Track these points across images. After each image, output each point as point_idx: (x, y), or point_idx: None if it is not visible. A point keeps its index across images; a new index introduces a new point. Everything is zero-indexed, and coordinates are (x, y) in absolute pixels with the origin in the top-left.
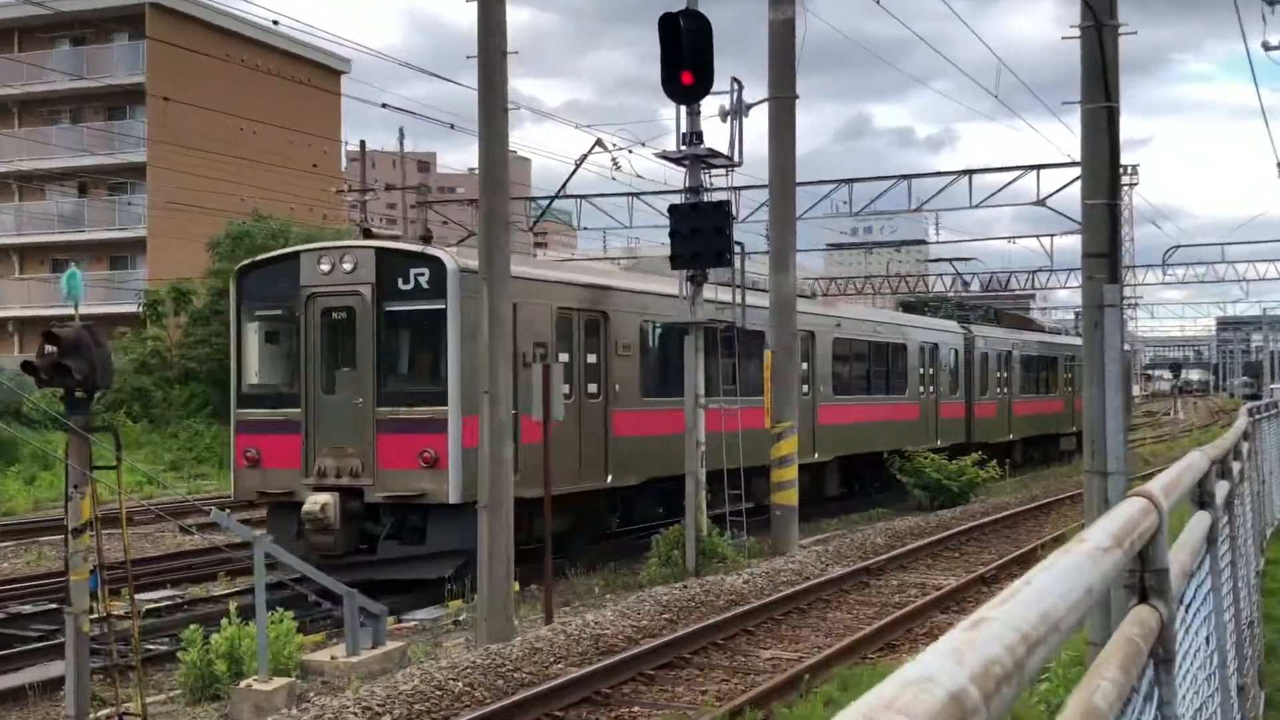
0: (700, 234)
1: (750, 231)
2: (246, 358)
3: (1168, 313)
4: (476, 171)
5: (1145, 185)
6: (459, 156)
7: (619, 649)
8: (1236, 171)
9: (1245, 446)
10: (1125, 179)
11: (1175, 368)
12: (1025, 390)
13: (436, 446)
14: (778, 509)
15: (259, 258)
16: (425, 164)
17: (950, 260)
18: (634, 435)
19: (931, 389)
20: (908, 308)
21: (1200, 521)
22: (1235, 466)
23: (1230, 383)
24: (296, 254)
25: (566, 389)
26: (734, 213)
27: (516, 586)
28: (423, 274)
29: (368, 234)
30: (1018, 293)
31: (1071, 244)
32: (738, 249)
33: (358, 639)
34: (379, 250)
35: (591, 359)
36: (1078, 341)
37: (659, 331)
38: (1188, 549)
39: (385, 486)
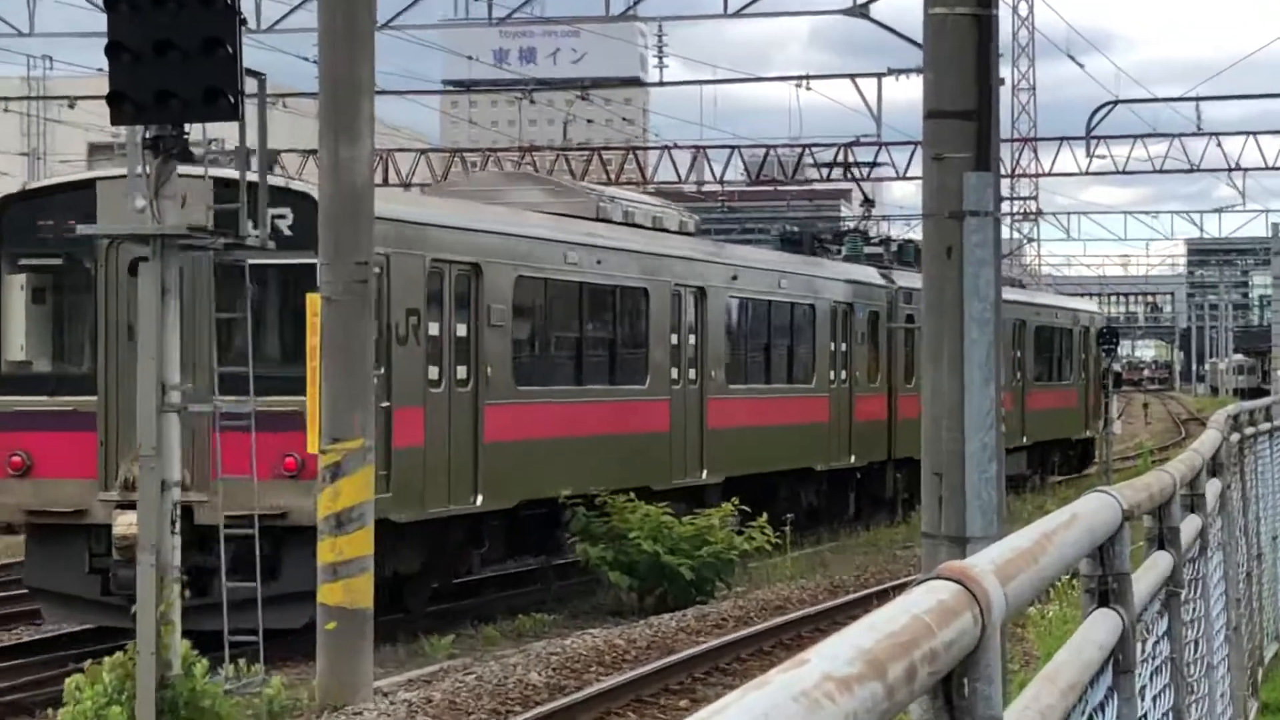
0: (170, 52)
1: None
2: (7, 324)
3: (1098, 230)
4: None
5: None
6: None
7: None
8: None
9: (1213, 511)
10: None
11: (1109, 339)
12: None
13: (302, 450)
14: (333, 616)
15: (29, 186)
16: None
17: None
18: (509, 440)
19: (843, 375)
20: (790, 243)
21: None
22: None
23: (1210, 366)
24: (90, 183)
25: (434, 373)
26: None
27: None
28: (283, 216)
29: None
30: (817, 186)
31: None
32: (254, 85)
33: None
34: (219, 182)
35: (461, 331)
36: (1044, 300)
37: (548, 290)
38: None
39: (227, 503)
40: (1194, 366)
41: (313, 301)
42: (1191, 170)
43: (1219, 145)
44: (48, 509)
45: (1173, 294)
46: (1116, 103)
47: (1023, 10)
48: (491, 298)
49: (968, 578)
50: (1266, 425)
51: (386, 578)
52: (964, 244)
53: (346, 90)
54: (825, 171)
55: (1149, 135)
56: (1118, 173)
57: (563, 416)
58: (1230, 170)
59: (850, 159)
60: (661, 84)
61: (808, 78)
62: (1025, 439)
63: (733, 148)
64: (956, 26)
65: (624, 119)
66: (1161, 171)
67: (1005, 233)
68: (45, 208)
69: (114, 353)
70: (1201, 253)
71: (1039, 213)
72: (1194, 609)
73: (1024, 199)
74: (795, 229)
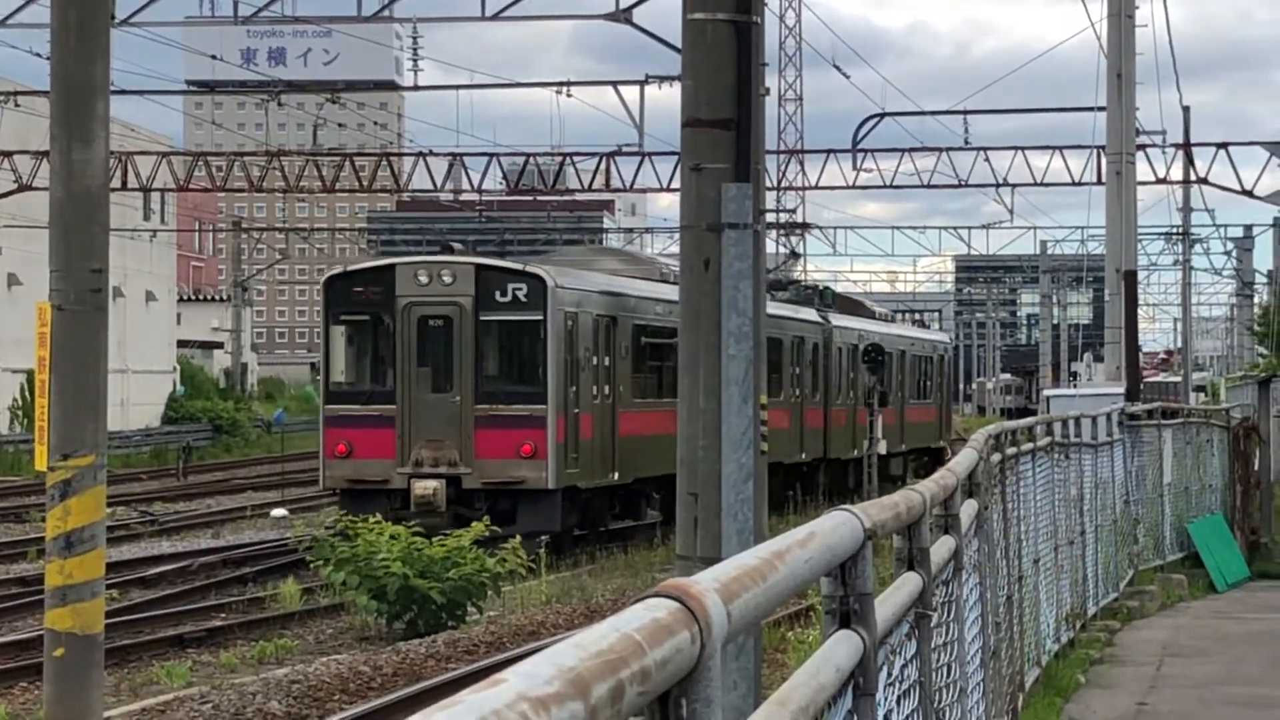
0: None
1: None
2: (333, 359)
3: (866, 245)
4: None
5: None
6: None
7: None
8: None
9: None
10: None
11: (876, 356)
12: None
13: (536, 440)
14: (61, 642)
15: (350, 268)
16: None
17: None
18: (630, 435)
19: (796, 391)
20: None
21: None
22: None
23: (977, 385)
24: (391, 266)
25: (595, 390)
26: None
27: None
28: (520, 289)
29: (448, 249)
30: (579, 197)
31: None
32: None
33: None
34: (478, 266)
35: (606, 362)
36: (916, 334)
37: (648, 333)
38: None
39: (484, 475)
40: (961, 385)
41: (42, 311)
42: (959, 185)
43: (987, 160)
44: (363, 479)
45: (940, 311)
46: (883, 115)
47: (790, 19)
48: (621, 339)
49: (687, 595)
50: (1029, 445)
51: (569, 526)
52: (722, 257)
53: (80, 89)
54: (587, 181)
55: (917, 149)
56: (885, 186)
57: (657, 420)
58: (998, 186)
59: (612, 169)
60: (417, 88)
61: (568, 84)
62: (904, 445)
63: (491, 155)
64: (716, 33)
65: (377, 124)
66: (929, 186)
67: (770, 247)
68: (355, 282)
69: (406, 376)
70: (969, 269)
71: (805, 226)
72: (947, 632)
73: (789, 211)
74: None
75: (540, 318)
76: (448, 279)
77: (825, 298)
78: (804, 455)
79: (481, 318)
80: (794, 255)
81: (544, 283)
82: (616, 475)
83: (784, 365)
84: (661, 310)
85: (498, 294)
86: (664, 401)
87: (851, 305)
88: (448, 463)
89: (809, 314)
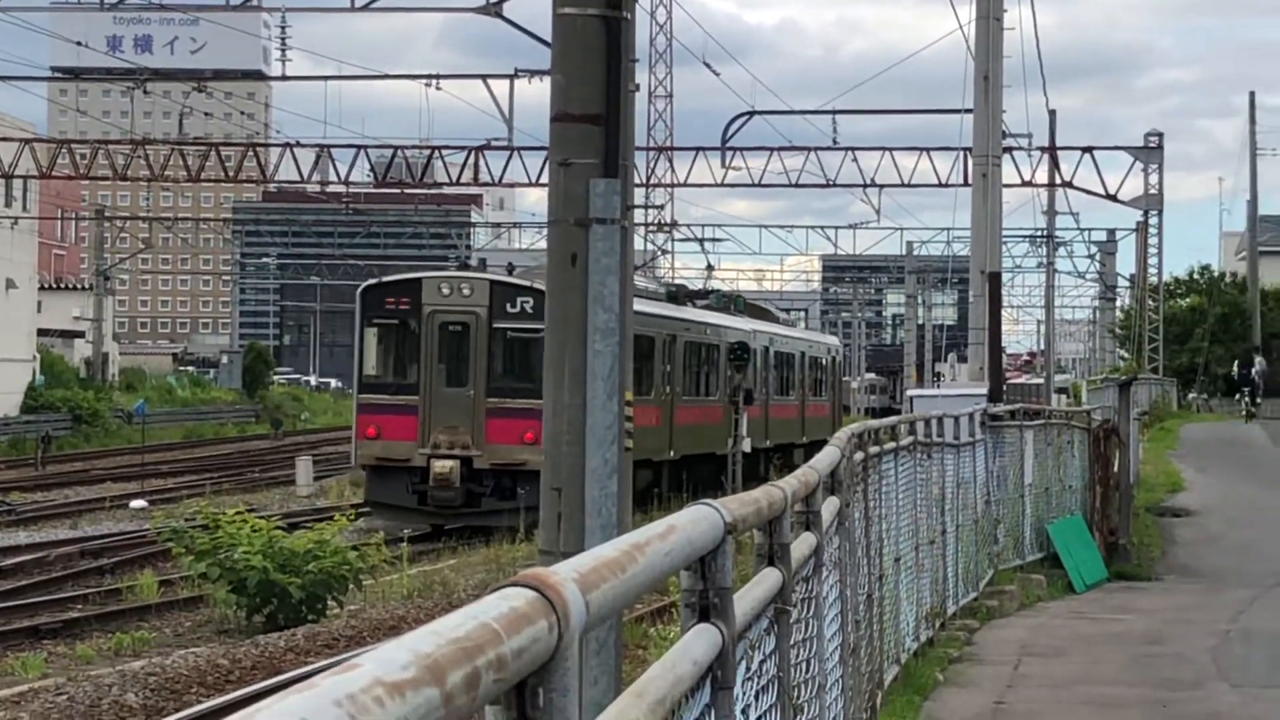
0: None
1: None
2: (365, 355)
3: (732, 244)
4: None
5: None
6: None
7: None
8: None
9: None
10: None
11: (741, 354)
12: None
13: (537, 429)
14: None
15: (383, 280)
16: None
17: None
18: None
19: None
20: (671, 297)
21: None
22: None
23: (844, 384)
24: (419, 279)
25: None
26: None
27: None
28: (528, 301)
29: (465, 265)
30: (447, 191)
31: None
32: None
33: None
34: (492, 282)
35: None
36: (814, 337)
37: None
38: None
39: (492, 457)
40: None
41: None
42: (827, 185)
43: (855, 160)
44: (389, 458)
45: (806, 310)
46: (753, 114)
47: (660, 16)
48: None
49: (545, 584)
50: (891, 444)
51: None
52: (589, 252)
53: None
54: (455, 174)
55: (785, 148)
56: (753, 185)
57: (638, 414)
58: (866, 186)
59: (481, 163)
60: (284, 78)
61: (438, 77)
62: (804, 439)
63: (359, 147)
64: (586, 28)
65: (244, 113)
66: (797, 185)
67: (639, 244)
68: (386, 292)
69: (428, 372)
70: (836, 269)
71: (674, 224)
72: (806, 628)
73: (658, 208)
74: (674, 286)
75: (543, 326)
76: (466, 291)
77: (738, 305)
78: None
79: (494, 325)
80: (661, 253)
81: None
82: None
83: (719, 368)
84: (642, 321)
85: (508, 305)
86: (641, 398)
87: (760, 312)
88: (462, 446)
89: (732, 320)
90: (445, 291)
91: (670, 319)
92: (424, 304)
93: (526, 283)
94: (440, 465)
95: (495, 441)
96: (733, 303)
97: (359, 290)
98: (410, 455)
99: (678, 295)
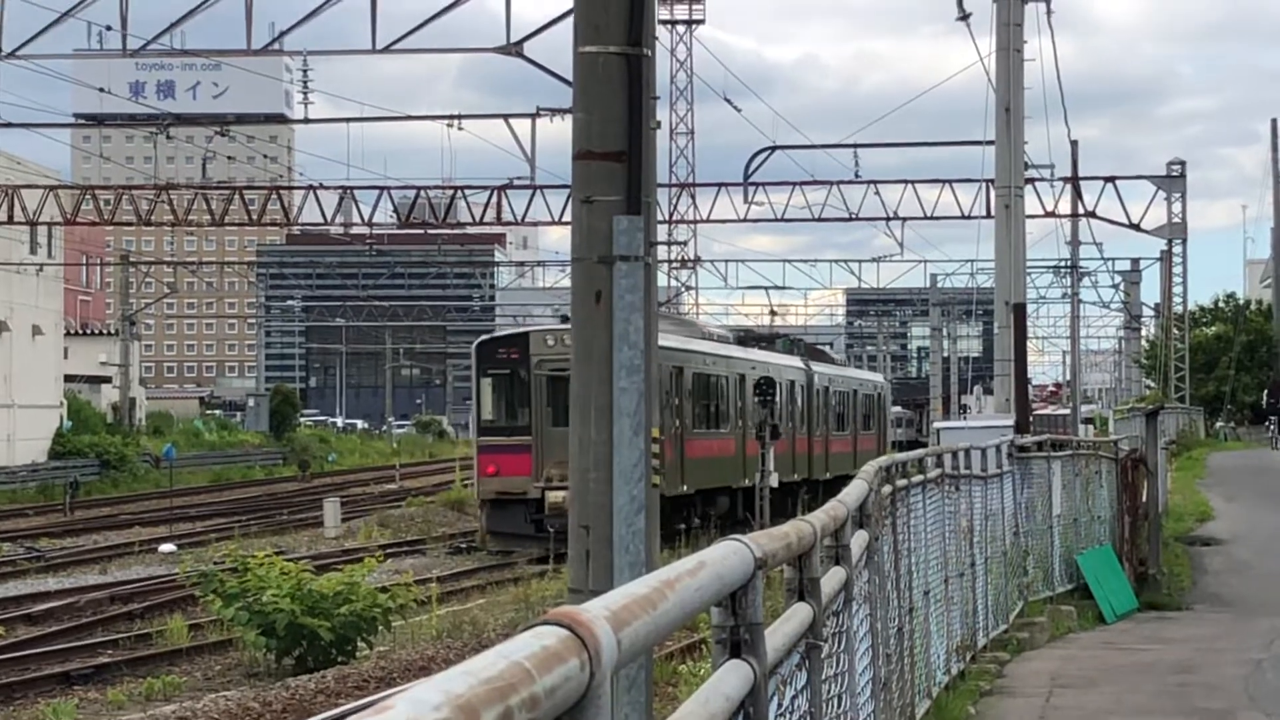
0: None
1: None
2: (482, 401)
3: (757, 278)
4: None
5: (722, 20)
6: None
7: None
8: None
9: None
10: (672, 9)
11: (767, 390)
12: None
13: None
14: None
15: (495, 335)
16: None
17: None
18: (692, 457)
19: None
20: (743, 341)
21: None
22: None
23: None
24: (527, 334)
25: (674, 422)
26: None
27: None
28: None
29: (565, 319)
30: (470, 231)
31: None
32: None
33: None
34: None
35: (677, 401)
36: (864, 375)
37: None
38: None
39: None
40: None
41: None
42: (850, 219)
43: (877, 193)
44: (507, 491)
45: (831, 344)
46: (774, 149)
47: (681, 53)
48: (686, 382)
49: (577, 623)
50: (919, 477)
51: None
52: (614, 289)
53: None
54: (479, 214)
55: (807, 182)
56: (776, 220)
57: (714, 446)
58: (888, 219)
59: (504, 202)
60: (307, 121)
61: (459, 117)
62: (857, 469)
63: (382, 189)
64: (607, 65)
65: (267, 157)
66: (820, 219)
67: (661, 280)
68: (499, 345)
69: (538, 414)
70: (860, 303)
71: (697, 260)
72: (837, 663)
73: (681, 244)
74: (743, 331)
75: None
76: (568, 341)
77: (799, 348)
78: (795, 475)
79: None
80: (685, 289)
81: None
82: (685, 487)
83: (782, 405)
84: (710, 361)
85: None
86: (715, 431)
87: (817, 354)
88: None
89: (796, 361)
90: (550, 342)
91: (747, 360)
92: (532, 354)
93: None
94: (554, 496)
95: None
96: (795, 345)
97: (474, 345)
98: (526, 489)
99: (745, 340)
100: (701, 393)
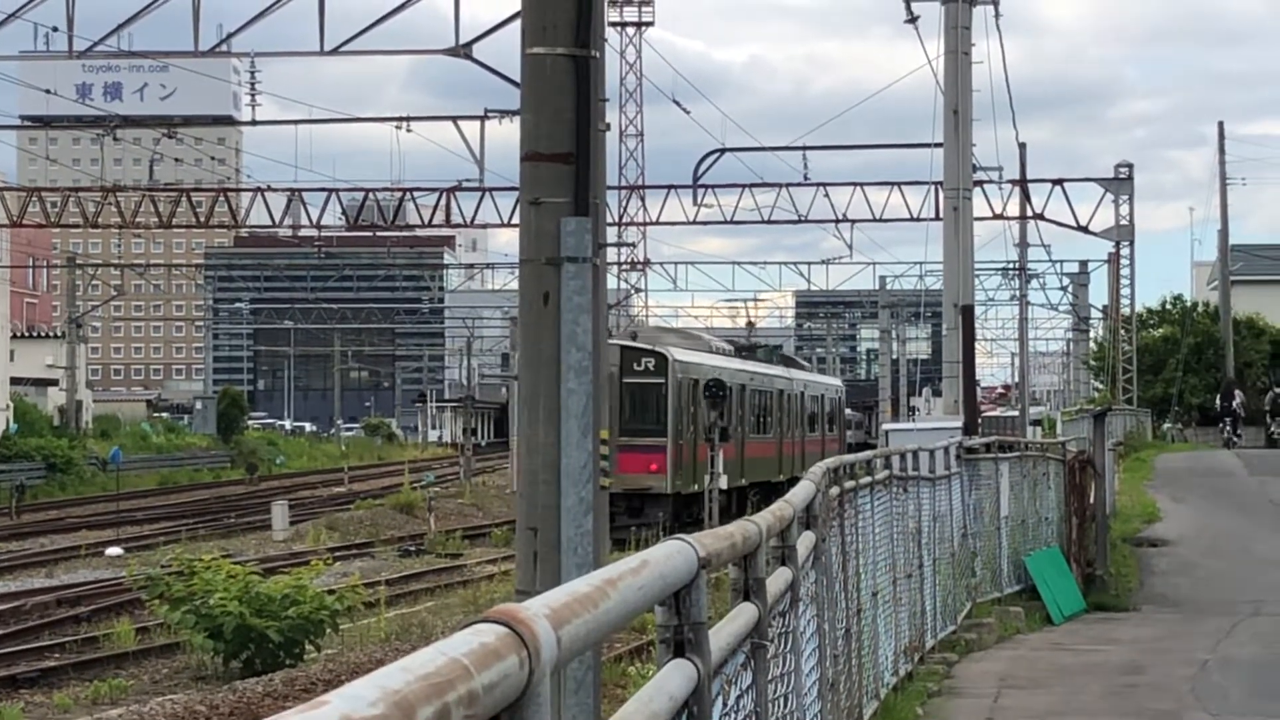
0: None
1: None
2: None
3: (706, 281)
4: None
5: (672, 22)
6: None
7: None
8: None
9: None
10: (621, 11)
11: (717, 392)
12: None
13: (659, 461)
14: None
15: (632, 344)
16: None
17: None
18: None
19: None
20: (738, 351)
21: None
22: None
23: None
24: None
25: (694, 427)
26: None
27: None
28: (650, 361)
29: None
30: (420, 233)
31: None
32: None
33: None
34: (623, 347)
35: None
36: (825, 380)
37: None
38: None
39: (623, 483)
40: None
41: None
42: (799, 221)
43: (827, 196)
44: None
45: (780, 346)
46: (724, 151)
47: (630, 55)
48: (747, 398)
49: (516, 620)
50: (867, 479)
51: (679, 518)
52: (562, 291)
53: None
54: (428, 216)
55: (757, 185)
56: (726, 222)
57: (735, 448)
58: (838, 221)
59: (453, 204)
60: (254, 123)
61: (408, 119)
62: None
63: (330, 191)
64: (555, 67)
65: (215, 159)
66: (769, 222)
67: (611, 282)
68: (636, 354)
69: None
70: (809, 305)
71: (646, 262)
72: (784, 663)
73: (630, 246)
74: (739, 341)
75: (662, 381)
76: None
77: (775, 356)
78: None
79: (624, 380)
80: (635, 291)
81: (666, 358)
82: (744, 480)
83: (772, 410)
84: (725, 375)
85: (634, 364)
86: (763, 436)
87: (792, 362)
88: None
89: (780, 370)
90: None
91: (747, 372)
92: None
93: (648, 346)
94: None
95: (626, 471)
96: (773, 354)
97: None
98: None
99: (740, 350)
100: (754, 406)
